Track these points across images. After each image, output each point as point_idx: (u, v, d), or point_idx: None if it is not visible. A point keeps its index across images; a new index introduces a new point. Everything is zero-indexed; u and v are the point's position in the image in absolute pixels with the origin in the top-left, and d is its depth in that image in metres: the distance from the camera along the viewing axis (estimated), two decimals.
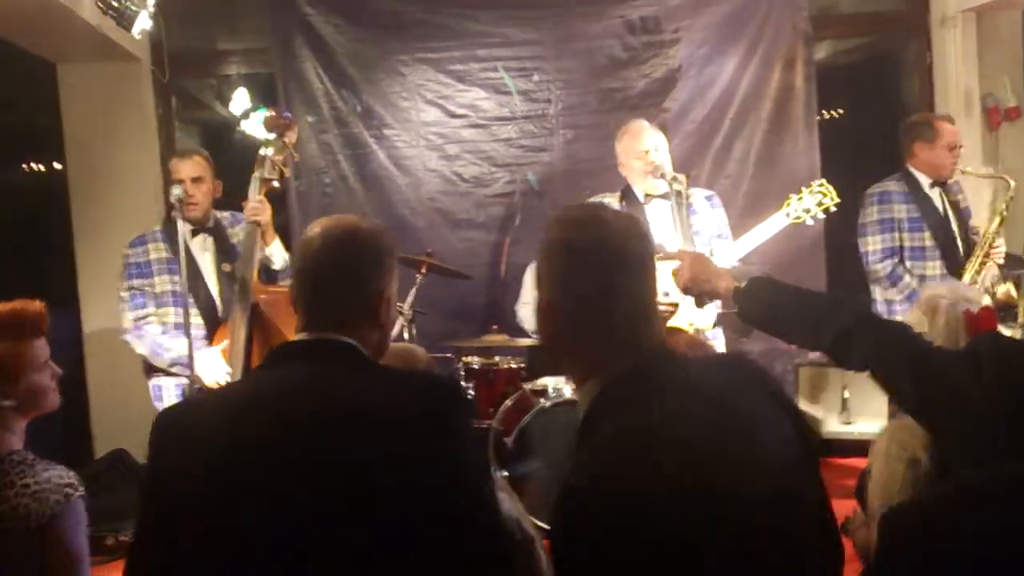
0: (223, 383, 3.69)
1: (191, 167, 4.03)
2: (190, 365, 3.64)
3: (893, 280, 4.53)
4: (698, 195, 4.09)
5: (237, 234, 4.10)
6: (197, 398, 1.86)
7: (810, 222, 3.89)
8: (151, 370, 4.06)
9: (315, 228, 1.75)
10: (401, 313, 4.75)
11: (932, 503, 1.54)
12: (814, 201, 3.86)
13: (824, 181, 3.92)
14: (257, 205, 3.77)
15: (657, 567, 1.32)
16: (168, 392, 4.03)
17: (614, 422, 1.46)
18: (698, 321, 3.76)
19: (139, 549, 1.59)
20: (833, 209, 3.88)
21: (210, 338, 3.93)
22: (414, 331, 4.80)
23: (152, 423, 1.65)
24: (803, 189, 3.91)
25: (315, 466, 1.49)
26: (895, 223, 4.56)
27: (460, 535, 1.49)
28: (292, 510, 1.47)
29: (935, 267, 4.55)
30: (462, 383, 4.76)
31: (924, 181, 4.61)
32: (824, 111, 6.16)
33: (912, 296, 4.46)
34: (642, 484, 1.35)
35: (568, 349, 1.59)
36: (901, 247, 4.55)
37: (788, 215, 3.86)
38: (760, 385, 1.60)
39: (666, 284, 3.73)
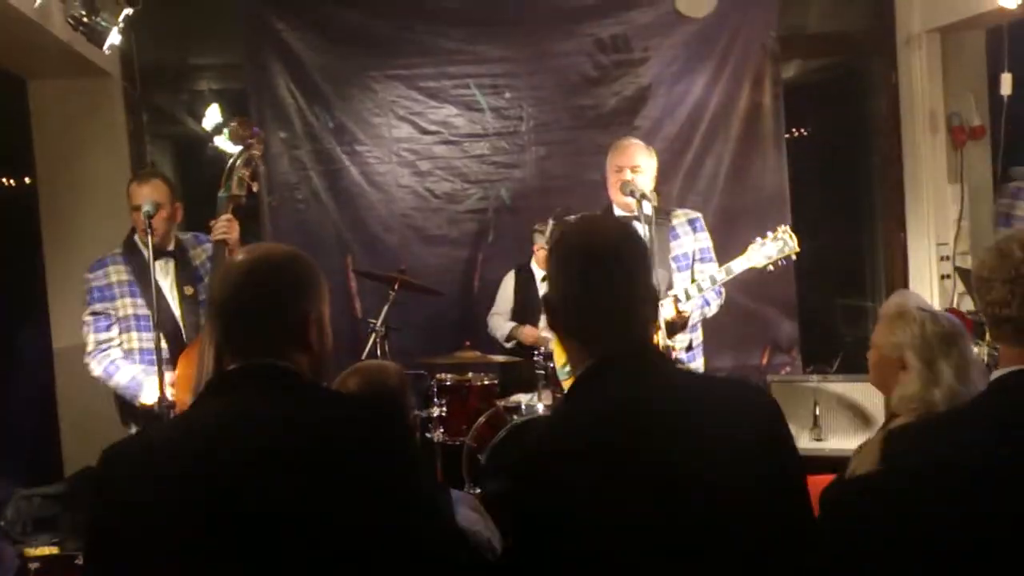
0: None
1: (150, 192, 3.81)
2: (159, 391, 3.56)
3: None
4: (681, 218, 4.02)
5: (200, 255, 4.01)
6: (141, 437, 1.82)
7: (771, 269, 3.85)
8: (128, 417, 3.96)
9: (233, 259, 1.78)
10: (374, 330, 4.76)
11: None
12: (776, 248, 3.81)
13: (787, 228, 3.87)
14: (225, 224, 3.69)
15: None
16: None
17: (555, 414, 1.75)
18: (669, 341, 3.77)
19: None
20: (794, 258, 3.86)
21: (173, 361, 3.77)
22: (387, 347, 4.81)
23: (99, 463, 1.65)
24: (768, 234, 3.85)
25: (257, 498, 1.51)
26: None
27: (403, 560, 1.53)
28: (238, 543, 1.50)
29: None
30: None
31: None
32: (792, 129, 6.23)
33: None
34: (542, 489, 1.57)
35: (562, 340, 1.78)
36: None
37: (748, 261, 3.81)
38: (738, 412, 1.67)
39: None
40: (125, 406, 3.96)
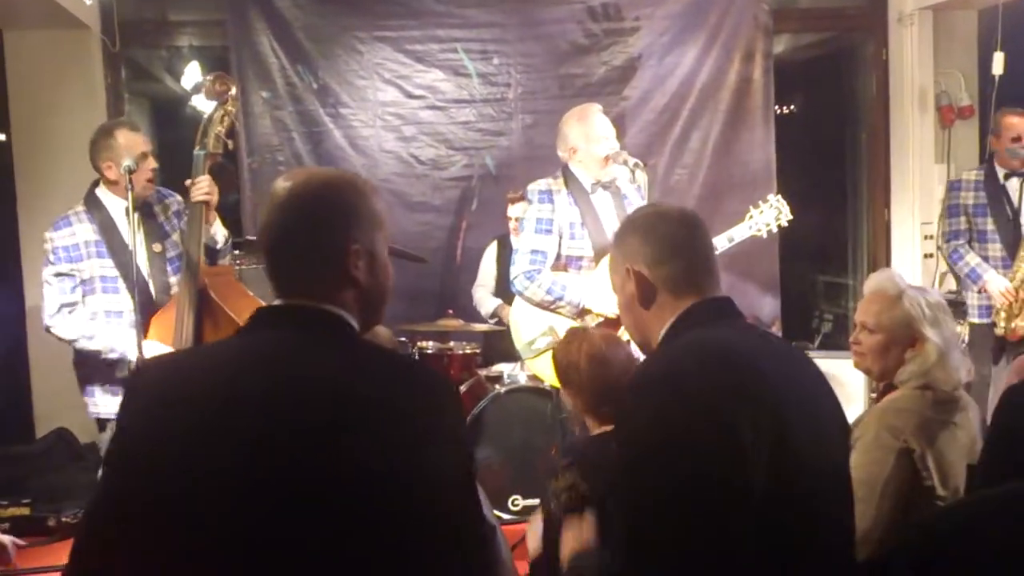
0: None
1: (144, 142, 3.70)
2: (138, 351, 3.42)
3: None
4: (625, 183, 4.09)
5: (163, 211, 3.86)
6: (174, 357, 1.74)
7: (764, 236, 4.08)
8: (87, 380, 3.76)
9: (277, 183, 1.66)
10: None
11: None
12: (772, 216, 4.04)
13: (780, 197, 4.09)
14: (205, 184, 3.60)
15: (706, 458, 1.58)
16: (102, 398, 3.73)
17: (680, 338, 1.83)
18: None
19: (95, 518, 1.51)
20: (785, 225, 4.08)
21: (145, 322, 3.61)
22: None
23: (126, 384, 1.61)
24: (760, 203, 4.05)
25: (276, 449, 1.42)
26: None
27: (436, 534, 1.47)
28: (251, 494, 1.41)
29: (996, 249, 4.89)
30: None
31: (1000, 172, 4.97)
32: (780, 104, 6.19)
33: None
34: (699, 382, 1.65)
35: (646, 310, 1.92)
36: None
37: (750, 228, 4.03)
38: (811, 363, 1.93)
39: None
40: (88, 370, 3.75)
